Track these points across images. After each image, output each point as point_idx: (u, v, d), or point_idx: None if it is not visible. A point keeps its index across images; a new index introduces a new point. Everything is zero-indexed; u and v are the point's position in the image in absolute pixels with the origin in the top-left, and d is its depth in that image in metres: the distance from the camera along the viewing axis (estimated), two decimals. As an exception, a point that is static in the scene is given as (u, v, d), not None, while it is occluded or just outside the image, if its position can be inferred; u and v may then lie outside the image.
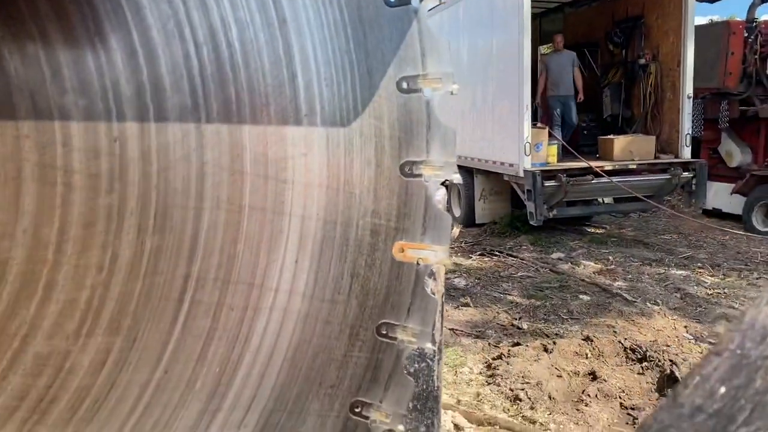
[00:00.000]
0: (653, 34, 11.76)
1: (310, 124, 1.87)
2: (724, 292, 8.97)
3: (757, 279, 9.40)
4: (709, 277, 9.64)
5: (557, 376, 6.26)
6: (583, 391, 6.07)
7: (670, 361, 6.48)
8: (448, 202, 1.92)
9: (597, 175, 10.64)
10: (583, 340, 6.79)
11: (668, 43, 11.27)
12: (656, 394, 6.13)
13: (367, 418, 1.97)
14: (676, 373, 6.23)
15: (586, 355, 6.62)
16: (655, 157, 11.28)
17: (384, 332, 1.98)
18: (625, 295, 8.85)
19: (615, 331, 7.38)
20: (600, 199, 12.73)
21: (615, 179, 10.55)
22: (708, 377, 0.62)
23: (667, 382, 6.30)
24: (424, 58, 1.90)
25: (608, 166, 10.77)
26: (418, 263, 1.98)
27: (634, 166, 10.97)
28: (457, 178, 1.97)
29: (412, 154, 1.94)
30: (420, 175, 1.95)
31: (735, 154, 12.00)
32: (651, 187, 10.91)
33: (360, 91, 1.90)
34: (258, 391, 1.91)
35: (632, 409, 5.87)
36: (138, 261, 1.75)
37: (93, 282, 1.73)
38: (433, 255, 1.97)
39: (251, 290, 1.87)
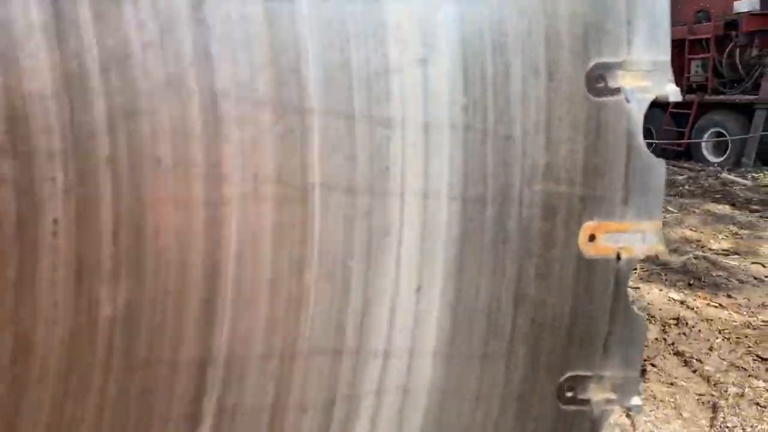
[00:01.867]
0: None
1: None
2: None
3: None
4: None
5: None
6: None
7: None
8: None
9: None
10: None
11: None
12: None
13: None
14: None
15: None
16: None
17: (570, 394, 1.06)
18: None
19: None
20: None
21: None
22: None
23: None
24: None
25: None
26: (618, 257, 1.06)
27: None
28: (674, 91, 1.06)
29: (606, 52, 1.00)
30: (618, 91, 1.01)
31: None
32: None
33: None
34: None
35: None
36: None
37: None
38: (641, 240, 1.07)
39: (337, 361, 0.85)
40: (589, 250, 1.04)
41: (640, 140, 1.05)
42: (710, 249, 8.02)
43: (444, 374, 0.95)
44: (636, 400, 1.13)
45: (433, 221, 0.90)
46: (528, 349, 1.01)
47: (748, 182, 9.78)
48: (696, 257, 7.62)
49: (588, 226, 1.03)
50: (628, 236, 1.07)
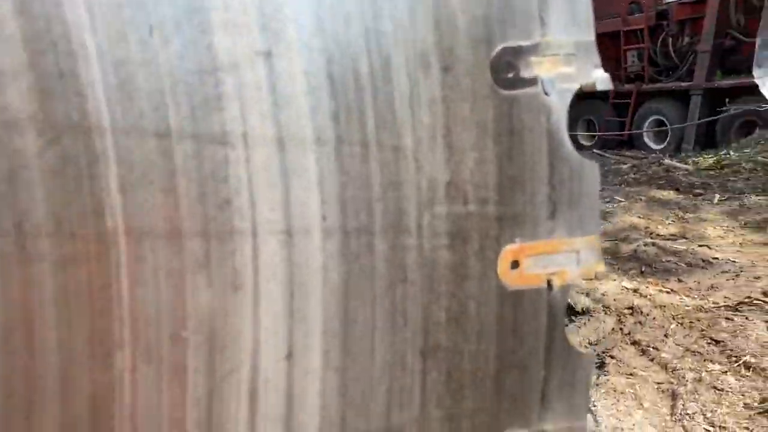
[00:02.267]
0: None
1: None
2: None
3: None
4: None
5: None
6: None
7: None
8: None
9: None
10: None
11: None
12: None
13: None
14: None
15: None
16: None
17: (503, 460, 0.85)
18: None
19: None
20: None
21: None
22: None
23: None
24: None
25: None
26: (550, 286, 0.86)
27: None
28: (602, 77, 0.86)
29: (514, 34, 0.79)
30: (533, 81, 0.81)
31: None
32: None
33: None
34: None
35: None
36: None
37: None
38: (575, 261, 0.87)
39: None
40: (512, 281, 0.83)
41: (566, 140, 0.85)
42: (658, 235, 8.08)
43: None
44: (585, 455, 0.94)
45: (302, 266, 0.68)
46: (446, 413, 0.80)
47: (690, 167, 9.93)
48: (645, 244, 7.65)
49: (509, 250, 0.82)
50: (560, 258, 0.86)
